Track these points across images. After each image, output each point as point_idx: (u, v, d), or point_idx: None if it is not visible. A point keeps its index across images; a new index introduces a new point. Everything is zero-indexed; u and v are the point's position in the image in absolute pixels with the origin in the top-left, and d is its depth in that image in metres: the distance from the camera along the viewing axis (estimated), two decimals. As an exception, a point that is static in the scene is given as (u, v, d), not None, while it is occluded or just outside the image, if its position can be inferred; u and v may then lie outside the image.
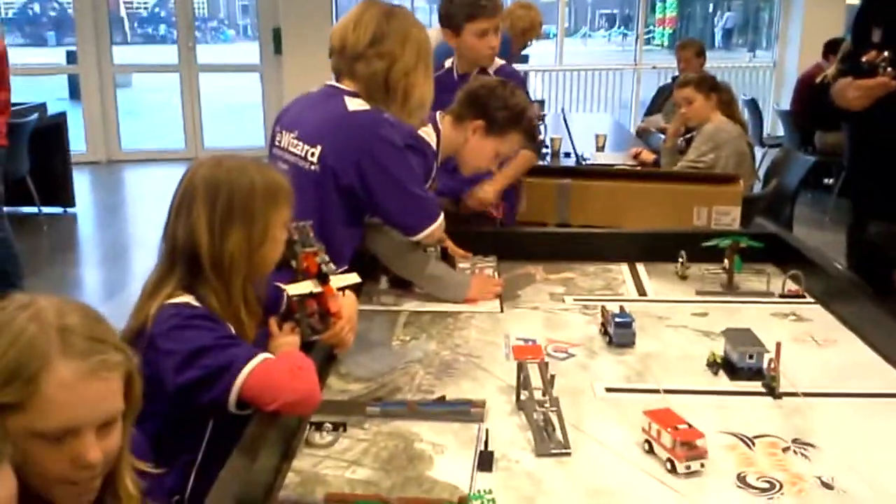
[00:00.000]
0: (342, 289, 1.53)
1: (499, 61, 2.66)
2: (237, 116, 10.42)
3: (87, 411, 0.90)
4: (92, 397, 0.91)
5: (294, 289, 1.46)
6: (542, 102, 6.91)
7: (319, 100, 1.90)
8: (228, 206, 1.33)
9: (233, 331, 1.34)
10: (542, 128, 4.32)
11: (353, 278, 1.56)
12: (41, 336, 0.89)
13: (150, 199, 6.26)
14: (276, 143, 1.94)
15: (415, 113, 1.86)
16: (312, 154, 1.82)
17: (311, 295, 1.46)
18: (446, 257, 2.06)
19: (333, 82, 1.90)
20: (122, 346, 0.95)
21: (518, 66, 8.89)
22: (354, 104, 1.81)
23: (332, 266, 1.50)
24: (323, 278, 1.47)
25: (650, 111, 5.28)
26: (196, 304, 1.31)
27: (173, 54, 7.89)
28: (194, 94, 7.78)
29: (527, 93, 2.73)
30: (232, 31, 28.05)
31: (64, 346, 0.90)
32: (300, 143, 1.85)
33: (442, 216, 1.88)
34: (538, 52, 11.07)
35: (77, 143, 6.95)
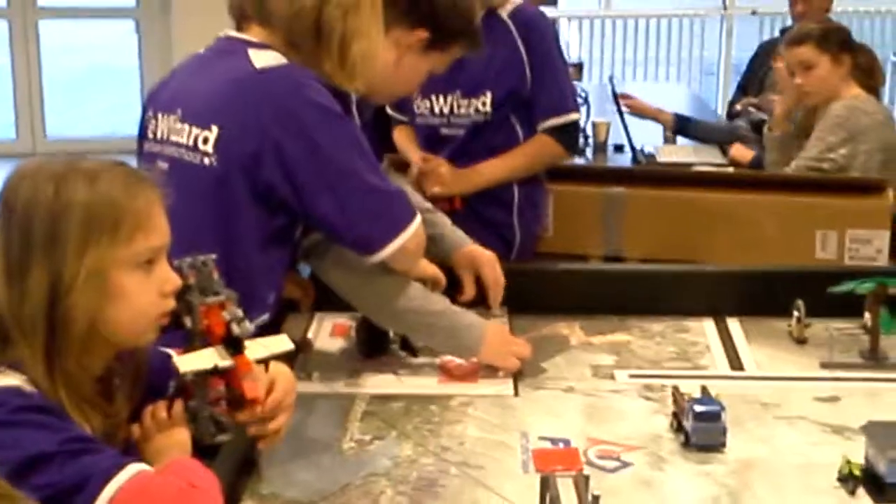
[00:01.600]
0: (264, 360, 1.53)
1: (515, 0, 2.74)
2: (100, 88, 10.47)
3: None
4: None
5: (188, 362, 1.46)
6: (579, 67, 7.01)
7: (210, 61, 1.93)
8: (25, 234, 1.36)
9: (88, 429, 1.34)
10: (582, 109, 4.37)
11: (283, 343, 1.57)
12: None
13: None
14: (151, 134, 1.96)
15: (357, 72, 1.89)
16: (206, 140, 1.83)
17: (217, 371, 1.47)
18: None
19: (231, 32, 1.94)
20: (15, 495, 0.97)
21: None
22: (263, 58, 1.84)
23: (247, 325, 1.51)
24: (234, 345, 1.47)
25: (746, 81, 5.34)
26: (28, 388, 1.32)
27: (-2, -10, 7.95)
28: (31, 54, 7.83)
29: (559, 48, 2.80)
30: (91, -47, 28.28)
31: None
32: (186, 127, 1.87)
33: (418, 220, 1.90)
34: (573, -11, 11.24)
35: None
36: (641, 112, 4.33)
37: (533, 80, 2.70)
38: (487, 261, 2.20)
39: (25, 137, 7.82)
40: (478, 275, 2.19)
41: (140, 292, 1.39)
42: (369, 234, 1.87)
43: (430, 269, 2.09)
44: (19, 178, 1.40)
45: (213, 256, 1.50)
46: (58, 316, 1.34)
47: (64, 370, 1.35)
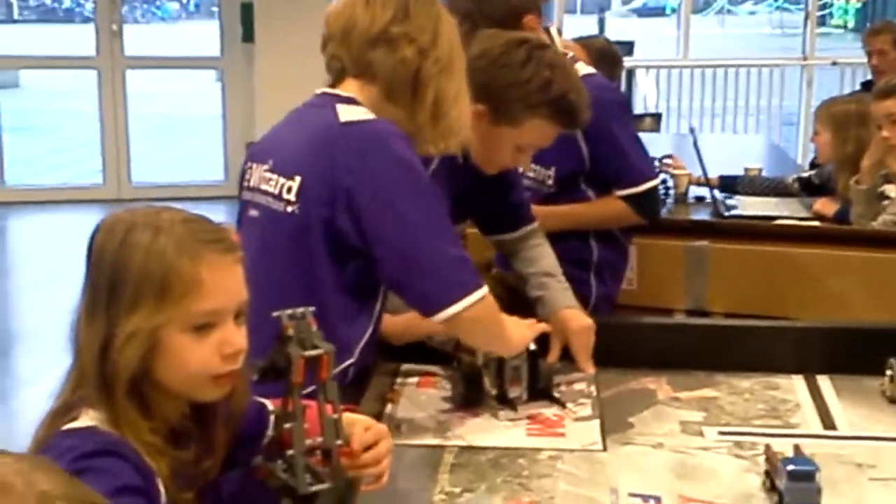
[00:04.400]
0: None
1: (583, 68, 2.67)
2: (184, 136, 10.70)
3: None
4: None
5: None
6: (657, 117, 7.02)
7: (302, 115, 2.01)
8: (95, 281, 1.41)
9: (156, 468, 1.37)
10: (662, 176, 4.33)
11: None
12: None
13: (48, 262, 6.43)
14: (246, 182, 2.05)
15: (450, 135, 1.95)
16: (289, 189, 1.91)
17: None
18: (535, 368, 2.09)
19: (326, 89, 2.00)
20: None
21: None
22: (349, 113, 1.91)
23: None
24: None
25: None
26: (104, 429, 1.37)
27: (87, 40, 8.17)
28: (119, 102, 8.03)
29: (623, 119, 2.75)
30: (175, 3, 28.97)
31: None
32: (274, 177, 1.96)
33: (481, 292, 1.89)
34: (650, 39, 11.24)
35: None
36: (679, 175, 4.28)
37: (593, 159, 2.64)
38: (577, 330, 2.20)
39: (112, 183, 8.01)
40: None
41: (191, 353, 1.41)
42: (427, 294, 1.89)
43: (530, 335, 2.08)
44: (105, 223, 1.44)
45: (312, 309, 1.53)
46: (107, 368, 1.38)
47: (124, 414, 1.39)
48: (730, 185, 4.29)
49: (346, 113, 1.91)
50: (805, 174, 4.36)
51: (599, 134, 2.62)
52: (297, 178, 1.90)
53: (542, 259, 2.34)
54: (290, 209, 1.91)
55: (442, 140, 1.95)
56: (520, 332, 2.04)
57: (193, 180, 8.42)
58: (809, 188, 4.20)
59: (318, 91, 2.02)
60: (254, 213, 1.99)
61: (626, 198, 2.69)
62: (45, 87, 13.94)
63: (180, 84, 12.39)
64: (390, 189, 1.85)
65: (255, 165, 2.03)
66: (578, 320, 2.21)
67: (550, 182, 2.69)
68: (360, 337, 1.98)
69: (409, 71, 1.92)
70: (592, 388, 2.17)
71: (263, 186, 1.98)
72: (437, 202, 1.91)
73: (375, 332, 2.02)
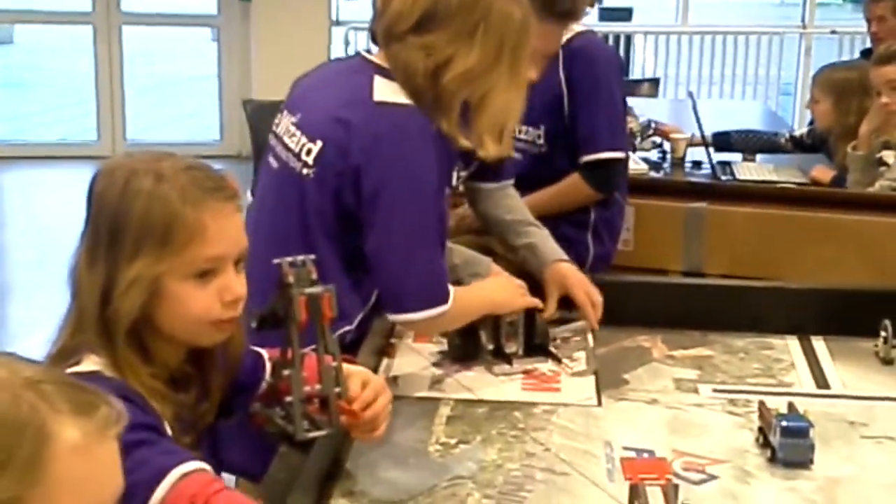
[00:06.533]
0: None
1: (573, 29, 2.60)
2: (179, 94, 10.66)
3: (101, 481, 1.01)
4: (107, 463, 1.02)
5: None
6: (655, 83, 7.00)
7: (339, 75, 2.00)
8: (96, 227, 1.41)
9: (159, 410, 1.39)
10: (655, 139, 4.32)
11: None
12: (17, 403, 0.97)
13: (39, 218, 6.43)
14: (276, 126, 2.04)
15: (487, 138, 1.90)
16: (309, 152, 1.91)
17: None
18: (532, 324, 2.10)
19: (368, 55, 1.99)
20: (106, 396, 1.05)
21: (614, 28, 8.93)
22: (384, 91, 1.88)
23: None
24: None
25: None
26: (109, 374, 1.38)
27: (84, -4, 8.12)
28: (114, 59, 7.98)
29: (622, 71, 2.72)
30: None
31: (49, 405, 0.97)
32: (298, 134, 1.95)
33: (448, 306, 1.90)
34: (648, 5, 11.19)
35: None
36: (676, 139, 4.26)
37: (570, 115, 2.60)
38: (578, 283, 2.19)
39: (106, 140, 7.97)
40: (566, 294, 2.19)
41: (193, 299, 1.42)
42: (390, 294, 1.93)
43: (523, 301, 2.09)
44: (105, 168, 1.45)
45: (312, 257, 1.53)
46: (108, 314, 1.39)
47: (125, 359, 1.40)
48: (723, 141, 4.27)
49: (381, 90, 1.88)
50: (797, 133, 4.35)
51: (579, 87, 2.60)
52: (319, 143, 1.90)
53: (522, 209, 2.33)
54: (305, 171, 1.90)
55: (478, 144, 1.91)
56: (506, 299, 2.06)
57: (188, 139, 8.40)
58: (802, 147, 4.19)
59: (365, 52, 2.02)
60: (274, 164, 1.99)
61: (582, 168, 2.64)
62: (40, 43, 13.87)
63: (176, 43, 12.36)
64: (390, 185, 1.85)
65: (285, 112, 2.02)
66: (576, 273, 2.22)
67: (541, 141, 2.68)
68: (360, 307, 2.00)
69: (419, 76, 1.86)
70: (589, 342, 2.18)
71: (286, 140, 1.97)
72: (432, 208, 1.90)
73: (377, 305, 2.02)
